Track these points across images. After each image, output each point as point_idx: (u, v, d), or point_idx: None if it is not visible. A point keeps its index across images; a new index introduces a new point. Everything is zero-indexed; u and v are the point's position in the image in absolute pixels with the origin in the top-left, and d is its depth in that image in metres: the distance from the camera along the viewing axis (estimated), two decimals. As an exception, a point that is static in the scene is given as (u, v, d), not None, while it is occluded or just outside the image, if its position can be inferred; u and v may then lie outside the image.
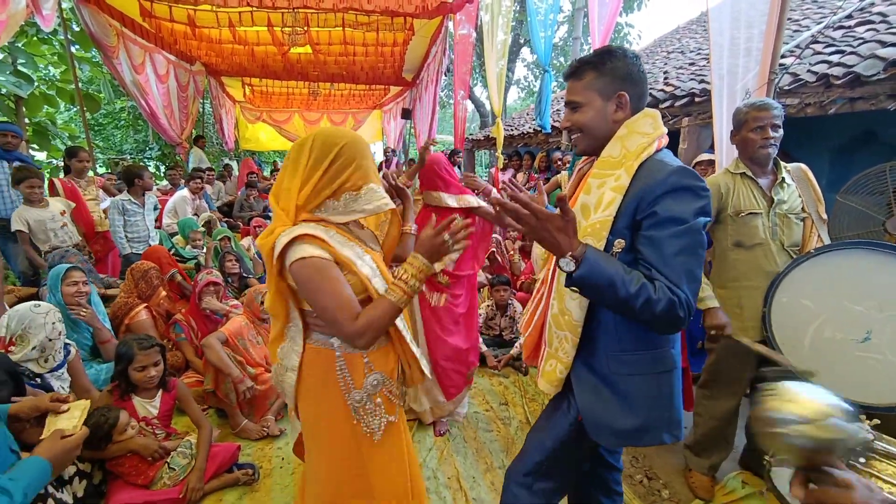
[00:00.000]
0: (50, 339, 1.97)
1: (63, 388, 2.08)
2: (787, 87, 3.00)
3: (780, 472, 1.36)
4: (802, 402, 0.71)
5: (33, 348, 1.92)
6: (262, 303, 2.71)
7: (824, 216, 1.85)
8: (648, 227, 1.02)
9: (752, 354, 1.87)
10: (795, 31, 4.22)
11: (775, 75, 2.40)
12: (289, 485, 2.08)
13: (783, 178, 1.81)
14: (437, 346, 2.44)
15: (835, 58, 3.03)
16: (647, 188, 1.02)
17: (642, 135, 1.09)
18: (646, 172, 1.05)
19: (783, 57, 2.81)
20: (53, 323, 1.98)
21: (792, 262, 1.74)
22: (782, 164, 1.85)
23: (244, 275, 3.83)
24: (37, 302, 2.05)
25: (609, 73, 1.13)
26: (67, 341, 2.14)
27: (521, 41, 14.69)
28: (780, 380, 0.77)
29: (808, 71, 3.02)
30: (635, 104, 1.14)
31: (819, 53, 3.26)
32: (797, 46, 3.41)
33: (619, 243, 1.05)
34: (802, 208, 1.83)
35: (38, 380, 1.94)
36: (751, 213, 1.80)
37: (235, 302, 3.20)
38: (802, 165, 1.90)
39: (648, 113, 1.11)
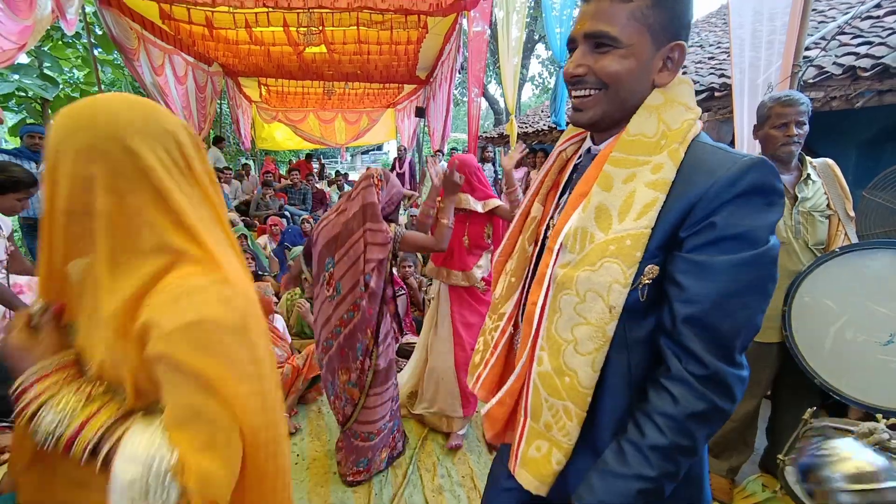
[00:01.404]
0: None
1: None
2: (811, 81, 2.91)
3: (794, 471, 1.33)
4: (851, 464, 0.76)
5: None
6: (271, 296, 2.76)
7: (851, 213, 1.79)
8: (698, 247, 0.67)
9: (771, 355, 1.83)
10: (821, 22, 4.09)
11: (799, 68, 2.34)
12: (304, 480, 2.11)
13: (808, 175, 1.76)
14: (463, 358, 2.40)
15: (862, 49, 2.93)
16: (707, 188, 0.66)
17: (685, 107, 0.73)
18: (698, 163, 0.69)
19: (807, 49, 2.73)
20: None
21: (815, 260, 1.69)
22: (808, 159, 1.80)
23: (259, 273, 3.89)
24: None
25: (672, 5, 0.72)
26: None
27: (536, 37, 14.56)
28: (824, 428, 0.84)
29: (834, 63, 2.93)
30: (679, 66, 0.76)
31: (846, 45, 3.16)
32: (822, 38, 3.31)
33: (651, 270, 0.70)
34: (828, 205, 1.78)
35: None
36: (772, 211, 1.75)
37: None
38: (829, 161, 1.84)
39: (684, 80, 0.77)
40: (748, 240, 0.65)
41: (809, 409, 1.33)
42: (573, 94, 0.78)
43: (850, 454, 0.81)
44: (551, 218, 0.87)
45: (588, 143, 0.86)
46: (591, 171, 0.79)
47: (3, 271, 2.31)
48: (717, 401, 0.66)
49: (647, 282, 0.70)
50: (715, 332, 0.66)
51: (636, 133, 0.74)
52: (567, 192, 0.86)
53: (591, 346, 0.72)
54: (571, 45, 0.78)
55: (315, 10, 5.17)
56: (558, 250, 0.77)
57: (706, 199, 0.66)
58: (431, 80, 8.21)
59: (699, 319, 0.66)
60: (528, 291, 0.87)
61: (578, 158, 0.88)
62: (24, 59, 4.78)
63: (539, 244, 0.89)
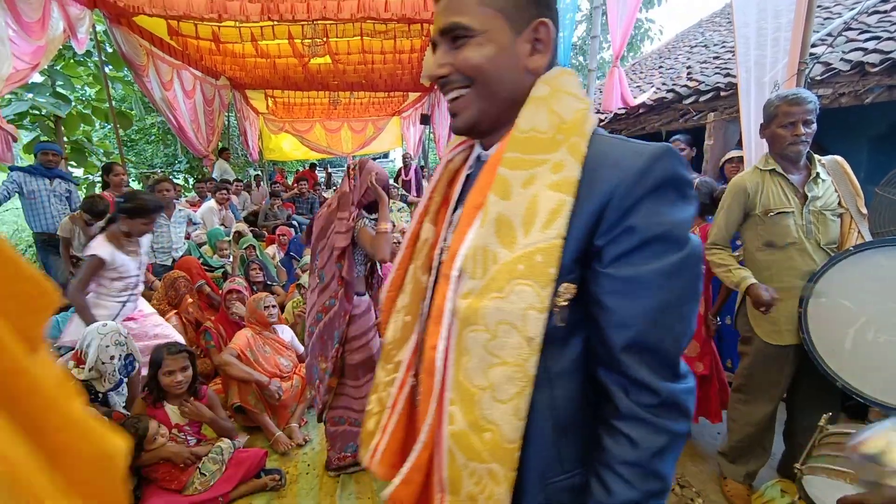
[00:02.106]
0: (103, 363, 1.95)
1: (119, 402, 2.17)
2: (818, 77, 2.88)
3: (812, 480, 1.30)
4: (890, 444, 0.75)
5: (90, 370, 1.93)
6: (267, 307, 2.71)
7: (864, 210, 1.76)
8: (620, 257, 0.58)
9: (787, 358, 1.79)
10: (826, 18, 4.05)
11: (805, 65, 2.31)
12: (313, 488, 2.10)
13: (817, 174, 1.74)
14: None
15: (870, 44, 2.89)
16: (616, 184, 0.58)
17: (575, 97, 0.65)
18: (602, 157, 0.60)
19: (814, 46, 2.70)
20: (107, 346, 1.96)
21: (829, 260, 1.66)
22: (816, 157, 1.77)
23: (268, 282, 3.91)
24: (105, 322, 2.06)
25: None
26: (136, 358, 2.15)
27: (539, 42, 14.59)
28: (857, 417, 0.84)
29: (842, 59, 2.90)
30: (554, 50, 0.70)
31: (853, 41, 3.12)
32: (829, 34, 3.27)
33: (568, 289, 0.60)
34: (839, 203, 1.75)
35: (101, 396, 2.01)
36: (781, 213, 1.72)
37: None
38: (838, 158, 1.81)
39: (567, 71, 0.69)
40: (672, 241, 0.57)
41: (825, 416, 1.30)
42: (446, 99, 0.71)
43: (885, 434, 0.81)
44: (444, 240, 0.74)
45: (478, 149, 0.76)
46: (483, 178, 0.68)
47: (141, 285, 2.51)
48: (676, 426, 0.59)
49: (563, 303, 0.60)
50: (658, 352, 0.59)
51: (528, 129, 0.64)
52: (459, 208, 0.74)
53: (511, 389, 0.60)
54: (434, 49, 0.71)
55: (319, 22, 5.24)
56: (458, 278, 0.65)
57: (617, 197, 0.58)
58: (436, 87, 8.27)
59: (639, 344, 0.58)
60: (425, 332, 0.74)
61: (469, 169, 0.77)
62: (37, 78, 4.89)
63: (436, 272, 0.74)
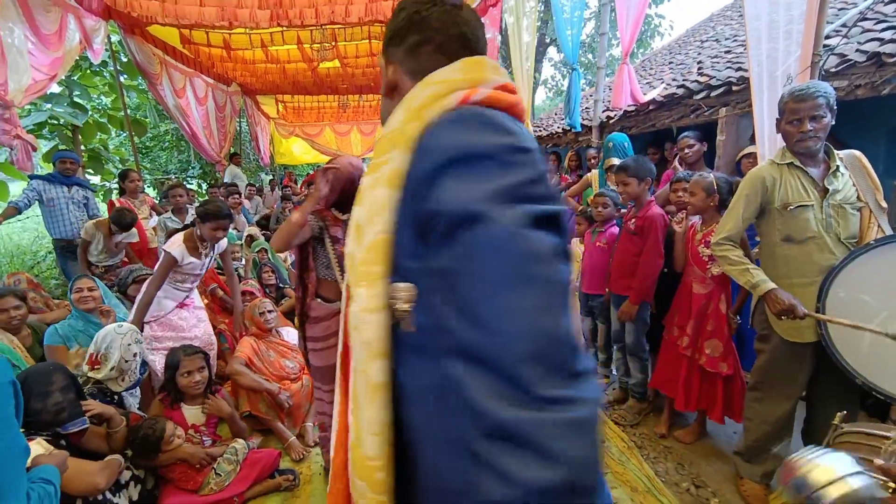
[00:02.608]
0: (126, 361, 2.01)
1: (134, 404, 2.21)
2: (833, 69, 2.82)
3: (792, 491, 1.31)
4: (821, 468, 0.88)
5: (111, 369, 1.98)
6: (263, 313, 2.72)
7: (883, 204, 1.72)
8: (433, 247, 0.50)
9: (806, 356, 1.76)
10: (841, 8, 3.97)
11: (819, 57, 2.26)
12: (327, 489, 2.11)
13: (836, 167, 1.70)
14: None
15: (887, 34, 2.83)
16: (416, 161, 0.53)
17: (436, 84, 0.59)
18: (427, 137, 0.55)
19: (828, 37, 2.65)
20: (129, 345, 2.02)
21: (849, 254, 1.63)
22: (835, 152, 1.74)
23: (280, 285, 3.95)
24: (121, 323, 2.12)
25: (394, 21, 0.71)
26: (147, 360, 2.21)
27: (547, 41, 14.55)
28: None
29: (858, 50, 2.83)
30: (428, 56, 0.67)
31: (869, 31, 3.05)
32: (843, 25, 3.20)
33: (406, 290, 0.53)
34: (858, 197, 1.71)
35: (116, 397, 2.06)
36: (801, 206, 1.69)
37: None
38: (856, 152, 1.78)
39: (466, 59, 0.62)
40: (476, 218, 0.47)
41: (840, 414, 1.27)
42: None
43: (816, 460, 0.97)
44: None
45: None
46: None
47: (197, 280, 2.69)
48: (528, 474, 0.41)
49: (405, 306, 0.52)
50: (485, 361, 0.45)
51: (385, 132, 0.61)
52: None
53: (362, 398, 0.57)
54: None
55: (328, 26, 5.29)
56: (346, 286, 0.66)
57: (420, 172, 0.52)
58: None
59: (460, 349, 0.47)
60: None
61: None
62: (55, 88, 5.02)
63: None
